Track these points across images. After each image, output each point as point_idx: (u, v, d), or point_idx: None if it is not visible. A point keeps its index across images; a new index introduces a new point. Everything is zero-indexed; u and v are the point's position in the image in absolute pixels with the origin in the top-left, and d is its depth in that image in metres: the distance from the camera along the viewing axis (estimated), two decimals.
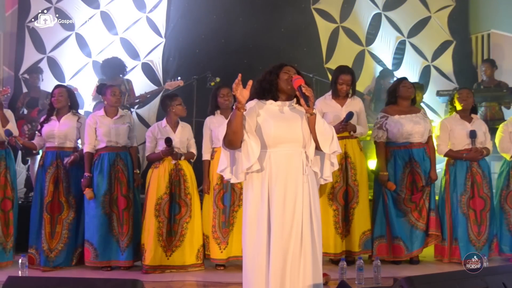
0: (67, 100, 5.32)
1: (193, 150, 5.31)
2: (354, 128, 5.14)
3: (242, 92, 3.03)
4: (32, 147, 5.43)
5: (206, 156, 5.25)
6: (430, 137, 5.33)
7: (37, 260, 5.15)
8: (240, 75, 3.05)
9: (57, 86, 5.42)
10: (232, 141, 3.11)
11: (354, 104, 5.24)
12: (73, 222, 5.21)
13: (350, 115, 5.01)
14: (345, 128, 5.04)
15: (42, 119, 5.42)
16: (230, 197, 5.13)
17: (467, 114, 5.38)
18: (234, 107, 3.06)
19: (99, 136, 5.18)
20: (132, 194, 5.22)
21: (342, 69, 5.24)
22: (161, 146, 5.11)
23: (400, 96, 5.28)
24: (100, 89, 5.44)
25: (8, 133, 5.11)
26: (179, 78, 6.96)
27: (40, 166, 5.28)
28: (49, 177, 5.17)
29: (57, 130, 5.25)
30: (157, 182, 5.10)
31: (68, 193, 5.21)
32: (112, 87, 5.33)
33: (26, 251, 5.18)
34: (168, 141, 4.98)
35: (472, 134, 5.24)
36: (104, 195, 5.10)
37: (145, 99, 7.16)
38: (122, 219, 5.12)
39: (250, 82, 3.07)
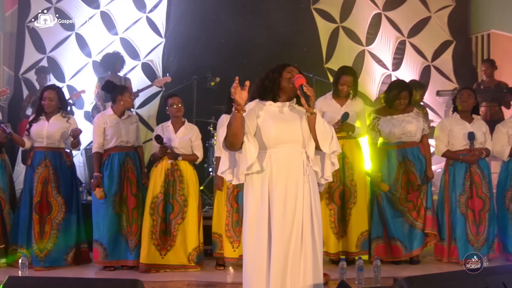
0: (57, 104, 5.28)
1: (197, 152, 5.23)
2: (352, 128, 5.15)
3: (241, 94, 3.03)
4: (20, 143, 5.33)
5: (219, 152, 5.19)
6: (424, 136, 5.31)
7: (28, 260, 5.11)
8: (237, 78, 3.05)
9: (46, 88, 5.34)
10: (233, 143, 3.11)
11: (355, 105, 5.25)
12: (62, 222, 5.18)
13: (345, 115, 5.03)
14: (341, 128, 5.05)
15: (30, 118, 5.38)
16: (243, 196, 5.11)
17: (468, 114, 5.37)
18: (233, 109, 3.06)
19: (109, 136, 5.14)
20: (141, 193, 5.21)
21: (344, 70, 5.25)
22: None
23: (394, 107, 5.29)
24: (110, 87, 5.28)
25: None
26: (167, 74, 6.98)
27: (29, 166, 5.24)
28: (38, 177, 5.15)
29: (46, 131, 5.21)
30: (154, 180, 5.11)
31: (57, 193, 5.19)
32: (129, 89, 5.34)
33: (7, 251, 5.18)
34: (158, 138, 4.97)
35: (470, 136, 5.22)
36: (114, 195, 5.09)
37: (135, 97, 7.13)
38: (132, 218, 5.12)
39: (247, 83, 3.07)
